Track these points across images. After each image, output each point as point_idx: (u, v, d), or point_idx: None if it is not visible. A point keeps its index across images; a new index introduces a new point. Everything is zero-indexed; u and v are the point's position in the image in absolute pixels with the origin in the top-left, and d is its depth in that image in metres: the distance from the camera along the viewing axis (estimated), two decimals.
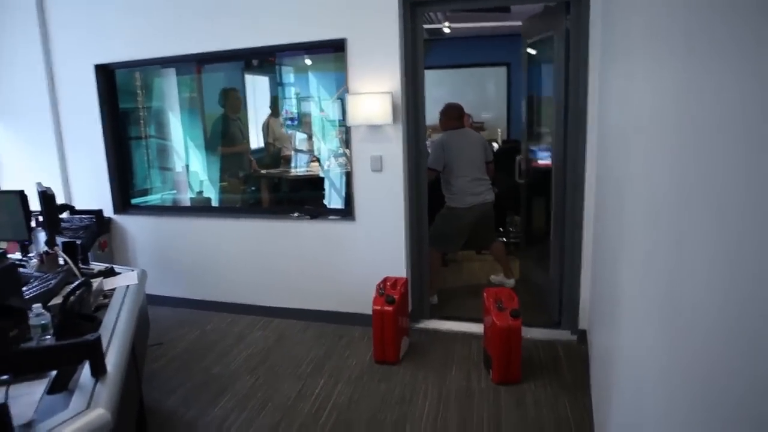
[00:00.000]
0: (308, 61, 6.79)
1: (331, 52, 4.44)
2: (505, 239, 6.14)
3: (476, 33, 8.54)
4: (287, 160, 6.61)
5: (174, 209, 5.06)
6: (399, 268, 4.24)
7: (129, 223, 5.02)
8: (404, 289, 3.99)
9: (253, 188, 6.06)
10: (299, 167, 6.43)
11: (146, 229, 4.96)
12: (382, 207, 4.21)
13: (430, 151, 4.85)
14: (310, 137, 6.94)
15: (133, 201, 5.27)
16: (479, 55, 8.80)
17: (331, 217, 4.41)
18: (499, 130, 7.11)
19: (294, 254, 4.48)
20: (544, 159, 6.27)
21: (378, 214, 4.23)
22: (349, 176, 4.33)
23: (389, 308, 3.76)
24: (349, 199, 4.37)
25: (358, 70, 4.08)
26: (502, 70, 8.98)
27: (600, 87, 3.65)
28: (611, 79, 3.24)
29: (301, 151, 6.79)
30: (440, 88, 9.36)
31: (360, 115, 4.04)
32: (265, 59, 6.71)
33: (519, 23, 6.46)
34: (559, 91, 4.09)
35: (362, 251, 4.31)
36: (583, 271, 3.94)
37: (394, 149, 4.12)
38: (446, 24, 7.15)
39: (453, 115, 4.89)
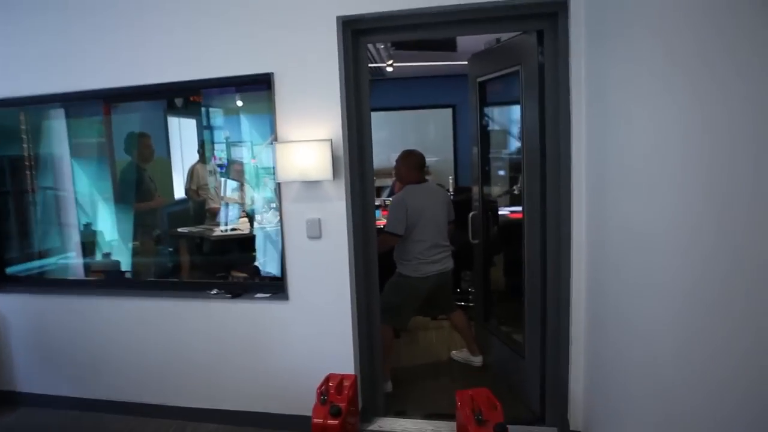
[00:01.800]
0: (239, 102, 5.79)
1: (264, 89, 3.46)
2: (463, 303, 5.20)
3: (420, 73, 7.77)
4: (213, 215, 5.52)
5: (60, 285, 3.86)
6: (345, 360, 3.22)
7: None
8: (352, 391, 2.97)
9: (170, 249, 4.94)
10: (229, 222, 5.34)
11: (23, 310, 3.75)
12: (323, 283, 3.21)
13: (388, 211, 3.90)
14: (242, 186, 5.90)
15: (11, 269, 4.05)
16: (423, 97, 8.05)
17: (258, 295, 3.36)
18: (450, 178, 6.24)
19: (214, 343, 3.39)
20: (508, 210, 5.45)
21: (317, 293, 3.22)
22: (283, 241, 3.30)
23: (334, 422, 2.72)
24: (281, 272, 3.34)
25: (289, 112, 3.11)
26: (447, 112, 8.27)
27: (589, 128, 2.80)
28: (613, 118, 2.39)
29: (232, 200, 5.73)
30: (381, 131, 8.58)
31: (292, 169, 3.05)
32: (189, 98, 5.74)
33: (465, 63, 5.69)
34: (531, 135, 3.23)
35: (299, 339, 3.27)
36: (573, 349, 3.02)
37: (335, 211, 3.14)
38: (389, 63, 6.30)
39: (414, 164, 3.98)
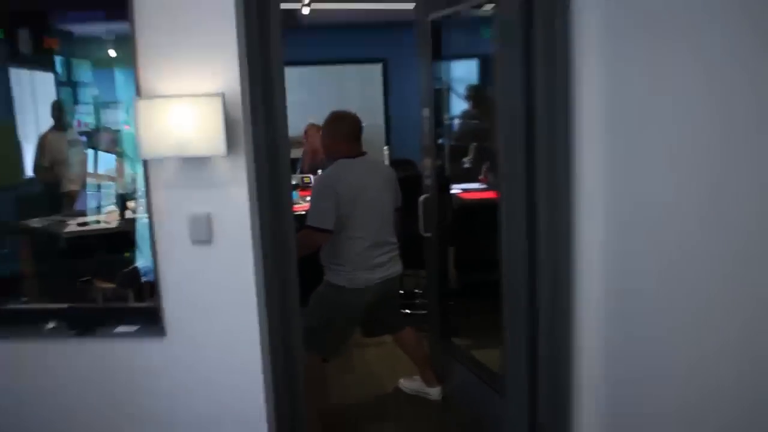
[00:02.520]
0: (112, 52, 4.74)
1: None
2: (408, 310, 4.48)
3: (344, 20, 6.92)
4: (72, 200, 4.49)
5: None
6: (253, 413, 2.42)
7: None
8: None
9: (5, 251, 3.91)
10: (92, 211, 4.32)
11: None
12: (217, 308, 2.38)
13: (311, 197, 3.15)
14: (121, 158, 4.86)
15: None
16: (347, 49, 7.26)
17: (120, 329, 2.48)
18: (385, 149, 5.47)
19: (55, 403, 2.48)
20: (471, 189, 4.74)
21: (209, 322, 2.40)
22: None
23: None
24: (154, 295, 2.47)
25: (157, 51, 2.23)
26: (376, 69, 7.60)
27: (606, 85, 2.09)
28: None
29: (104, 179, 4.68)
30: (295, 92, 7.64)
31: (164, 140, 2.18)
32: (42, 43, 4.74)
33: (401, 6, 4.91)
34: (509, 96, 2.48)
35: (183, 393, 2.43)
36: (584, 391, 2.36)
37: (232, 201, 2.31)
38: (305, 2, 5.41)
39: (347, 132, 3.22)
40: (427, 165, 3.53)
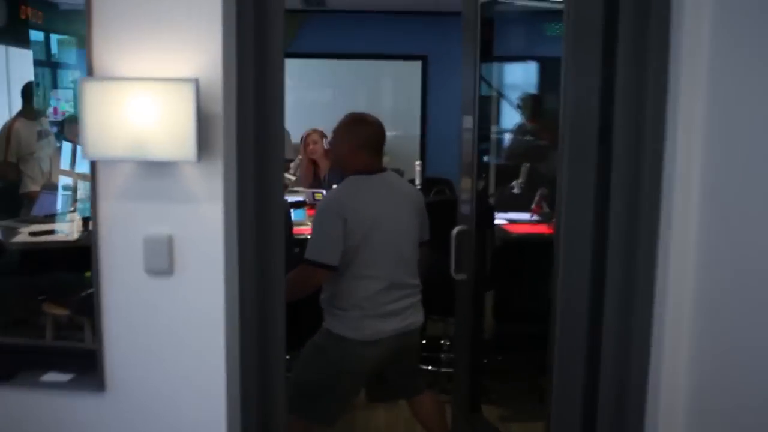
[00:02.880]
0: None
1: None
2: (430, 367, 4.16)
3: (376, 4, 6.72)
4: (31, 203, 4.29)
5: None
6: None
7: None
8: None
9: None
10: (54, 218, 4.10)
11: None
12: (174, 361, 2.11)
13: (312, 223, 2.91)
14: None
15: None
16: (380, 41, 7.00)
17: (48, 378, 2.22)
18: (417, 164, 5.18)
19: None
20: (519, 221, 4.43)
21: (163, 378, 2.14)
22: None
23: None
24: (94, 337, 2.20)
25: (116, 25, 1.98)
26: (414, 67, 7.40)
27: (723, 106, 1.79)
28: None
29: (79, 178, 4.47)
30: (317, 89, 7.48)
31: (116, 136, 1.93)
32: (18, 13, 4.65)
33: None
34: (581, 106, 2.19)
35: None
36: None
37: (202, 221, 2.05)
38: None
39: (366, 140, 2.93)
40: (465, 187, 3.23)
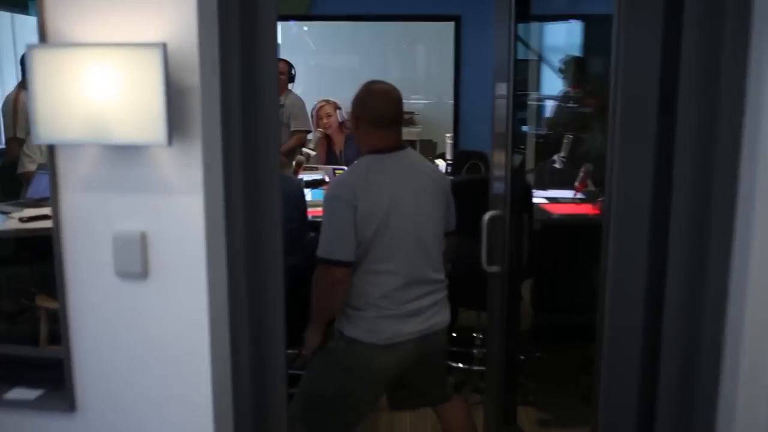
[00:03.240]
0: None
1: None
2: (461, 364, 3.85)
3: None
4: (28, 182, 4.07)
5: None
6: None
7: None
8: None
9: None
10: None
11: None
12: (155, 375, 1.83)
13: (323, 215, 2.58)
14: None
15: None
16: (409, 1, 6.68)
17: (12, 395, 1.97)
18: (448, 136, 4.83)
19: None
20: (561, 200, 4.09)
21: (142, 395, 1.86)
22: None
23: None
24: (63, 349, 1.94)
25: None
26: (446, 28, 6.93)
27: None
28: None
29: None
30: (339, 54, 7.14)
31: (73, 115, 1.64)
32: None
33: None
34: (635, 72, 1.85)
35: None
36: None
37: (181, 216, 1.75)
38: None
39: (379, 113, 2.61)
40: (498, 162, 2.88)
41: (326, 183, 4.28)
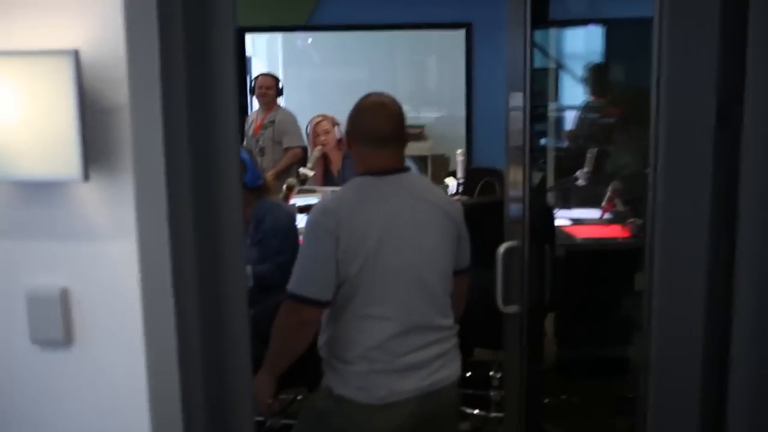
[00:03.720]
0: None
1: None
2: (477, 410, 3.48)
3: None
4: None
5: None
6: None
7: None
8: None
9: None
10: None
11: None
12: None
13: (301, 245, 2.33)
14: None
15: None
16: (418, 9, 6.43)
17: None
18: (459, 152, 4.47)
19: None
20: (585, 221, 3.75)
21: None
22: None
23: None
24: None
25: None
26: (456, 37, 6.59)
27: None
28: None
29: None
30: (342, 66, 6.87)
31: None
32: None
33: None
34: (697, 74, 1.50)
35: None
36: None
37: (111, 268, 1.40)
38: None
39: (375, 129, 2.29)
40: (513, 181, 2.54)
41: None
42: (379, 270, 2.14)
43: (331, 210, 2.20)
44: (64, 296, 1.41)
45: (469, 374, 3.58)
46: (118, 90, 1.33)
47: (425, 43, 7.32)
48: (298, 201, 3.99)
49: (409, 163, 6.88)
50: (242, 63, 6.84)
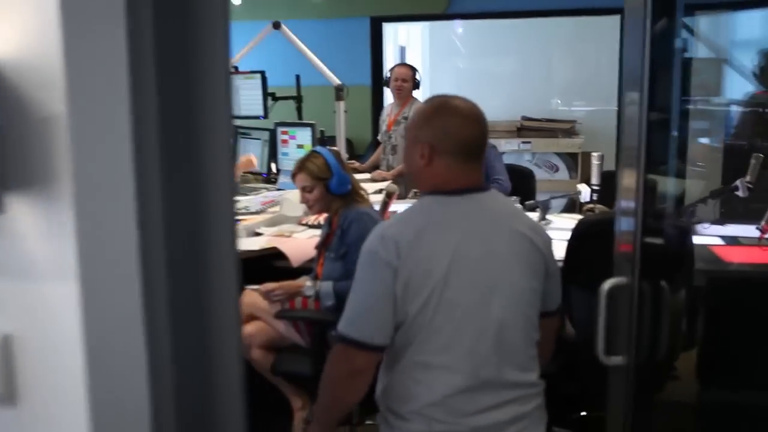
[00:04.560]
0: None
1: None
2: None
3: None
4: None
5: None
6: None
7: None
8: None
9: None
10: None
11: None
12: None
13: (355, 277, 2.00)
14: None
15: None
16: None
17: None
18: (595, 156, 3.99)
19: None
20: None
21: None
22: None
23: None
24: None
25: None
26: (611, 23, 6.13)
27: None
28: None
29: None
30: (492, 56, 6.66)
31: None
32: None
33: None
34: None
35: None
36: None
37: (53, 312, 1.17)
38: None
39: (471, 143, 2.01)
40: (627, 187, 2.13)
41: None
42: (443, 310, 1.85)
43: (390, 237, 1.92)
44: (6, 344, 1.20)
45: None
46: (52, 99, 1.09)
47: (579, 31, 6.93)
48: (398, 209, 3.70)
49: (557, 160, 6.42)
50: (378, 52, 6.68)
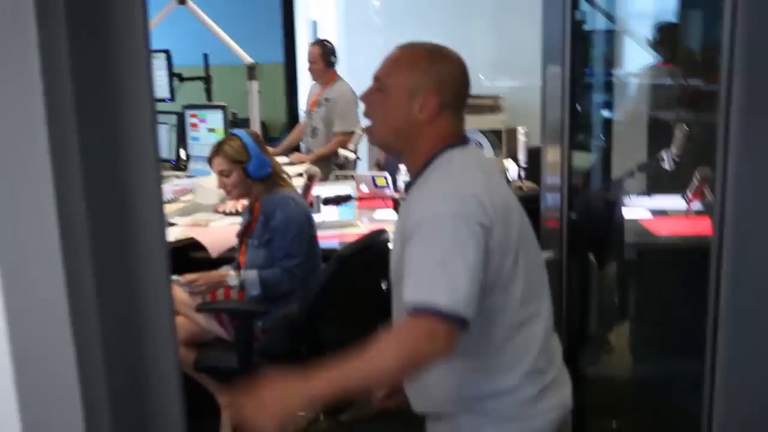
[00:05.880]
0: None
1: None
2: None
3: None
4: None
5: None
6: None
7: None
8: None
9: None
10: None
11: None
12: None
13: (421, 242, 1.78)
14: None
15: None
16: None
17: None
18: (520, 130, 4.10)
19: None
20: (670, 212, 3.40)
21: None
22: None
23: None
24: None
25: None
26: None
27: None
28: None
29: None
30: (414, 29, 6.73)
31: None
32: None
33: None
34: None
35: None
36: None
37: None
38: None
39: (456, 89, 1.96)
40: (551, 161, 2.25)
41: (352, 198, 3.62)
42: (524, 258, 1.87)
43: (474, 195, 1.79)
44: None
45: None
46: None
47: (502, 3, 7.04)
48: (333, 189, 3.73)
49: (480, 137, 6.49)
50: (290, 28, 6.60)
